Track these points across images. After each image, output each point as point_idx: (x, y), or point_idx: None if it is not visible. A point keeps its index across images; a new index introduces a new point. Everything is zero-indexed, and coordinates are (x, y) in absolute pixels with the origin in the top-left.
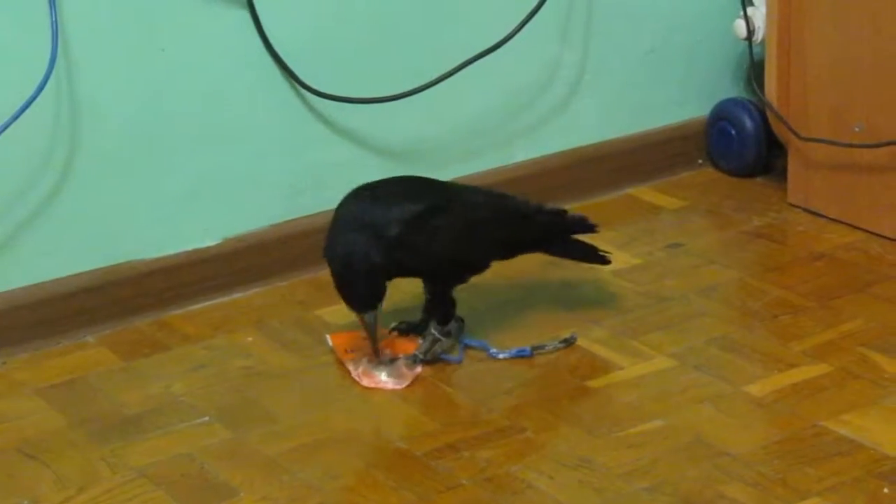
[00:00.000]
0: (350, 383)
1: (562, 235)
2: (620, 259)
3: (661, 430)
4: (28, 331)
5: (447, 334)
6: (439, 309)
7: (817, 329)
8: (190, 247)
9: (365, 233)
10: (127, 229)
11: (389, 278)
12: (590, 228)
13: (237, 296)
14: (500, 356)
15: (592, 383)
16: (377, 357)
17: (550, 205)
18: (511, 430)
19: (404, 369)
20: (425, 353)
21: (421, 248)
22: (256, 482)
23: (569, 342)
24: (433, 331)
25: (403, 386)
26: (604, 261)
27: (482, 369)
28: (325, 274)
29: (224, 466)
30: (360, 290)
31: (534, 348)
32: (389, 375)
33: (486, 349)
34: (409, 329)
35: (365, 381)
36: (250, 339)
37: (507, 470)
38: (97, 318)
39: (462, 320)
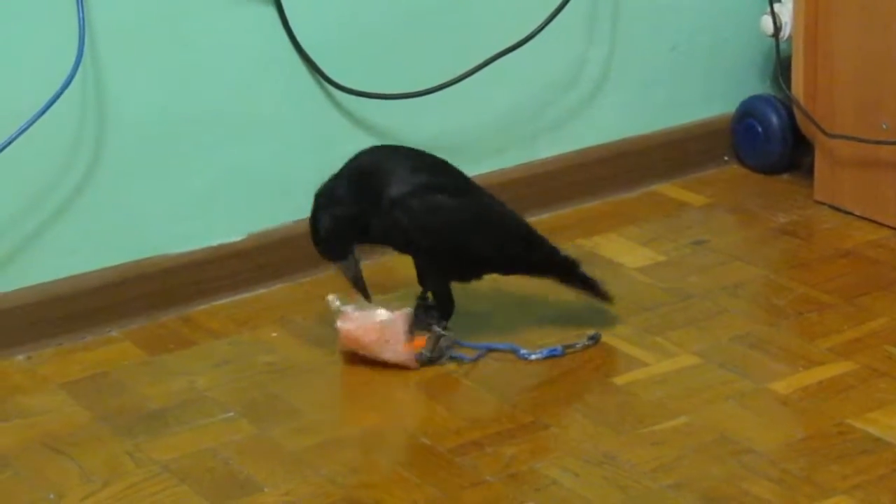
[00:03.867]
0: (373, 379)
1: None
2: (645, 256)
3: (686, 428)
4: (53, 326)
5: (448, 329)
6: (438, 305)
7: (843, 326)
8: (215, 242)
9: (357, 183)
10: (152, 225)
11: (372, 240)
12: (602, 296)
13: (261, 291)
14: (533, 357)
15: (617, 380)
16: (369, 300)
17: (567, 254)
18: (535, 427)
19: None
20: (431, 350)
21: (417, 218)
22: (280, 477)
23: (595, 339)
24: (435, 327)
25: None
26: (606, 298)
27: (506, 366)
28: None
29: (248, 462)
30: (325, 238)
31: (565, 347)
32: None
33: (515, 351)
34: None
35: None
36: (275, 334)
37: (531, 466)
38: (122, 313)
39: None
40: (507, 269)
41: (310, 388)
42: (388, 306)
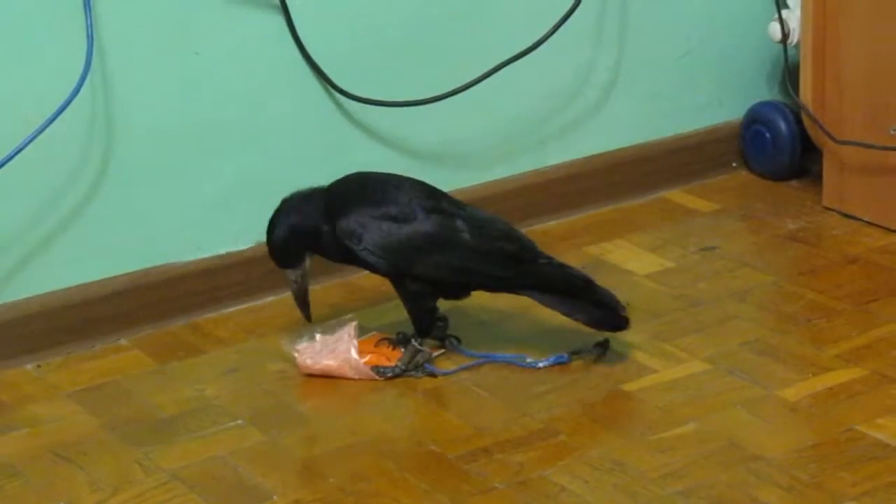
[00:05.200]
0: (382, 386)
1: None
2: (654, 262)
3: (695, 434)
4: (62, 334)
5: (442, 343)
6: (414, 322)
7: (852, 333)
8: (223, 250)
9: (320, 204)
10: (160, 233)
11: (336, 260)
12: (617, 323)
13: (270, 299)
14: (540, 365)
15: (626, 387)
16: (309, 321)
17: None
18: (545, 434)
19: (359, 363)
20: (406, 363)
21: (366, 246)
22: (290, 485)
23: (603, 346)
24: (414, 342)
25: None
26: (616, 326)
27: (515, 373)
28: (357, 277)
29: (257, 469)
30: (277, 244)
31: (571, 354)
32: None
33: (520, 361)
34: (403, 341)
35: (309, 362)
36: (283, 342)
37: (540, 474)
38: (131, 322)
39: (458, 339)
40: (492, 287)
41: (319, 395)
42: (329, 325)
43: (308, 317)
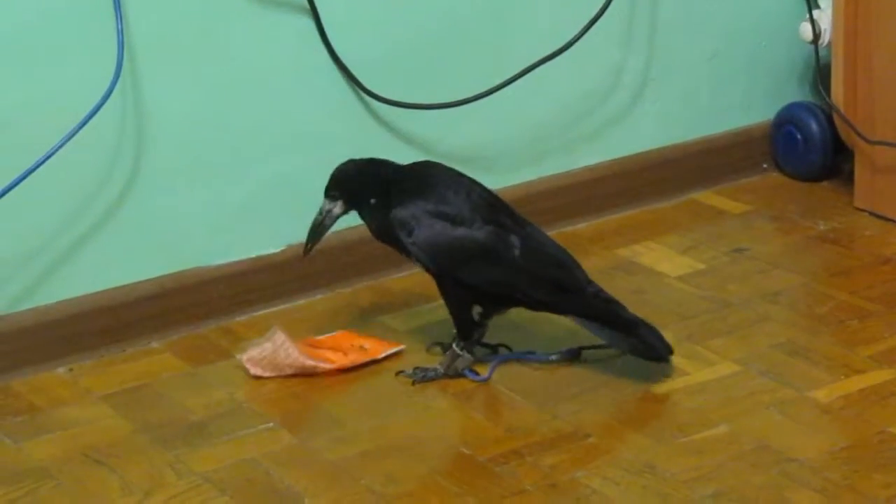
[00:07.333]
0: (412, 388)
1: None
2: (685, 264)
3: (726, 436)
4: (94, 337)
5: (470, 351)
6: (456, 325)
7: (885, 334)
8: (254, 254)
9: (381, 175)
10: (191, 236)
11: (387, 239)
12: (658, 356)
13: (300, 302)
14: (552, 358)
15: (657, 389)
16: (304, 253)
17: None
18: (575, 436)
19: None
20: (447, 367)
21: (415, 240)
22: (320, 488)
23: (575, 353)
24: (455, 346)
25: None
26: (658, 358)
27: (545, 375)
28: (387, 280)
29: (288, 472)
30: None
31: (582, 347)
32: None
33: (529, 358)
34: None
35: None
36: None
37: (571, 476)
38: (162, 325)
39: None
40: (533, 308)
41: (349, 398)
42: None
43: (305, 249)
